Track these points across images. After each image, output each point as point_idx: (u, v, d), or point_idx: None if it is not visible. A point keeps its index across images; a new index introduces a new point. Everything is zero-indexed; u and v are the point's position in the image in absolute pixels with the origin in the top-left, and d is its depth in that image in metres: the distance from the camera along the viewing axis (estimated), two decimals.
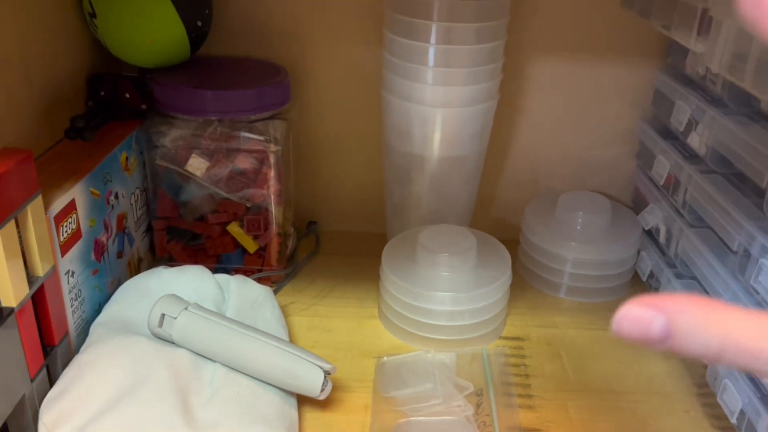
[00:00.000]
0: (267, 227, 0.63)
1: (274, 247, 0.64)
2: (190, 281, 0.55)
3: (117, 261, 0.58)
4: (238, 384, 0.47)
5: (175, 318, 0.49)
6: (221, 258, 0.65)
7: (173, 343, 0.49)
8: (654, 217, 0.64)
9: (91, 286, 0.53)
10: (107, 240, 0.55)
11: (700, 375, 0.56)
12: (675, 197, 0.61)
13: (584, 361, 0.58)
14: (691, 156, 0.59)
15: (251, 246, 0.64)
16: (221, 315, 0.50)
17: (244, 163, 0.61)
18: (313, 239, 0.75)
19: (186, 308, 0.49)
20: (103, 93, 0.61)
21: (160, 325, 0.49)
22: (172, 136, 0.60)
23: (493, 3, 0.58)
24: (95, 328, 0.51)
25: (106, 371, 0.45)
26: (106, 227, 0.55)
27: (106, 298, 0.55)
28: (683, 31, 0.50)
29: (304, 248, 0.73)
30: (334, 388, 0.52)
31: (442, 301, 0.57)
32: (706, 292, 0.56)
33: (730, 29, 0.41)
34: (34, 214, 0.43)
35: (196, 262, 0.64)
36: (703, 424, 0.51)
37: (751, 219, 0.48)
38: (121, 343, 0.48)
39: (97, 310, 0.54)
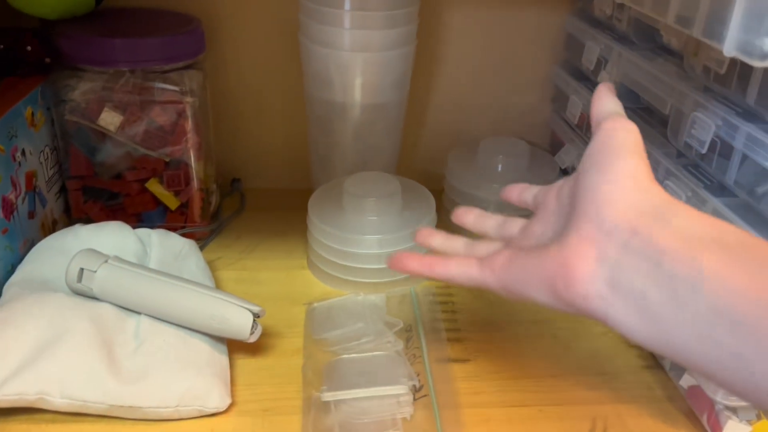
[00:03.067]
0: (188, 182, 0.62)
1: (196, 203, 0.63)
2: (109, 237, 0.53)
3: (28, 221, 0.55)
4: (165, 333, 0.46)
5: (95, 272, 0.47)
6: (142, 216, 0.63)
7: (94, 297, 0.48)
8: (569, 156, 0.67)
9: (1, 246, 0.50)
10: (16, 198, 0.53)
11: None
12: (588, 135, 0.63)
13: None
14: None
15: (173, 202, 0.62)
16: (144, 266, 0.49)
17: (160, 116, 0.59)
18: (237, 197, 0.73)
19: (106, 261, 0.48)
20: (2, 47, 0.57)
21: (79, 280, 0.47)
22: (81, 90, 0.57)
23: None
24: (8, 289, 0.49)
25: (23, 327, 0.44)
26: (14, 185, 0.52)
27: (19, 259, 0.53)
28: None
29: (229, 207, 0.72)
30: (266, 334, 0.52)
31: (370, 245, 0.58)
32: None
33: None
34: None
35: None
36: (620, 345, 0.54)
37: (656, 147, 0.51)
38: (37, 300, 0.46)
39: (10, 272, 0.51)
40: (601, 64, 0.61)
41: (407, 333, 0.53)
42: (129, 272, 0.48)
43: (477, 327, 0.55)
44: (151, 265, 0.52)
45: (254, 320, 0.47)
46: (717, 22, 0.35)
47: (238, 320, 0.46)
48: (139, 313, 0.48)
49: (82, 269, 0.47)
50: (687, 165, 0.48)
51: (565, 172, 0.69)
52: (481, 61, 0.72)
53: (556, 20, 0.70)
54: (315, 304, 0.56)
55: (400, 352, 0.50)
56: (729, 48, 0.34)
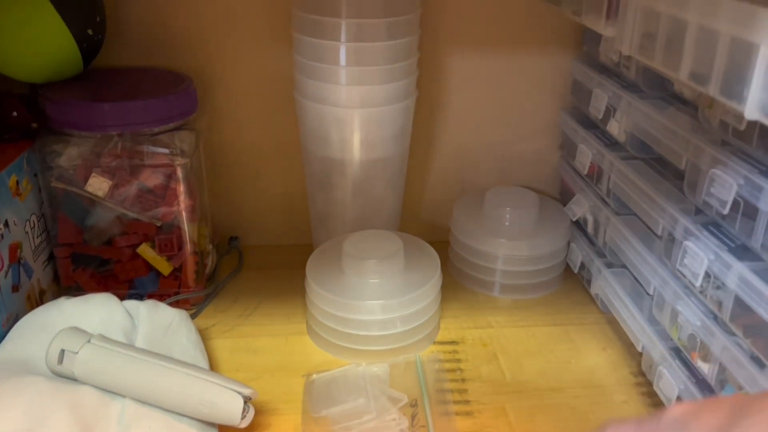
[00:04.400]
0: (181, 246, 0.59)
1: (190, 267, 0.60)
2: (96, 311, 0.50)
3: (12, 295, 0.52)
4: (151, 419, 0.43)
5: (76, 353, 0.44)
6: (134, 283, 0.60)
7: (76, 380, 0.45)
8: (580, 207, 0.63)
9: None
10: None
11: (635, 364, 0.55)
12: (599, 186, 0.60)
13: (521, 360, 0.56)
14: (611, 143, 0.59)
15: (165, 268, 0.60)
16: (129, 345, 0.46)
17: (150, 179, 0.57)
18: (235, 255, 0.71)
19: (88, 341, 0.45)
20: None
21: (60, 361, 0.44)
22: (67, 155, 0.55)
23: None
24: None
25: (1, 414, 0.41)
26: None
27: (2, 336, 0.50)
28: (593, 16, 0.49)
29: (227, 266, 0.69)
30: (262, 412, 0.49)
31: (372, 310, 0.54)
32: (637, 281, 0.55)
33: (638, 9, 0.41)
34: None
35: (106, 289, 0.59)
36: (642, 414, 0.50)
37: (672, 202, 0.48)
38: (15, 385, 0.43)
39: None
40: (610, 112, 0.58)
41: (412, 408, 0.49)
42: (113, 353, 0.45)
43: (488, 397, 0.52)
44: (139, 341, 0.49)
45: (245, 403, 0.44)
46: (736, 81, 0.32)
47: (227, 405, 0.43)
48: (123, 396, 0.45)
49: (62, 350, 0.44)
50: (707, 224, 0.45)
51: (576, 225, 0.66)
52: (485, 108, 0.70)
53: (561, 65, 0.68)
54: (314, 376, 0.53)
55: (405, 430, 0.46)
56: (751, 110, 0.31)
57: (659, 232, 0.49)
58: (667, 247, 0.48)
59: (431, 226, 0.74)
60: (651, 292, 0.51)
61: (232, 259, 0.70)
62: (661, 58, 0.38)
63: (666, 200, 0.48)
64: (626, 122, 0.55)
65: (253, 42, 0.64)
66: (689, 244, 0.44)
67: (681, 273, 0.46)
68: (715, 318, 0.44)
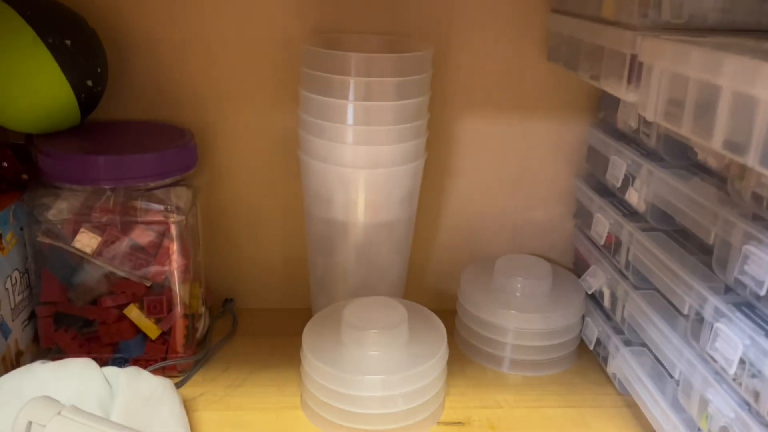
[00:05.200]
0: (170, 309, 0.56)
1: (179, 331, 0.57)
2: (72, 378, 0.46)
3: None
4: None
5: (44, 426, 0.40)
6: (119, 346, 0.56)
7: None
8: (597, 279, 0.60)
9: None
10: None
11: None
12: (617, 258, 0.57)
13: None
14: (630, 213, 0.56)
15: (153, 331, 0.56)
16: (103, 419, 0.42)
17: (142, 236, 0.54)
18: (229, 319, 0.67)
19: (59, 413, 0.41)
20: None
21: None
22: (57, 209, 0.52)
23: (415, 56, 0.54)
24: None
25: None
26: None
27: None
28: (612, 81, 0.47)
29: (221, 329, 0.65)
30: None
31: (372, 386, 0.50)
32: (658, 361, 0.51)
33: (663, 74, 0.38)
34: None
35: (89, 352, 0.56)
36: None
37: (700, 279, 0.44)
38: None
39: None
40: (628, 181, 0.55)
41: None
42: (84, 428, 0.40)
43: None
44: (116, 413, 0.45)
45: None
46: None
47: None
48: None
49: (30, 423, 0.40)
50: (740, 304, 0.41)
51: (592, 298, 0.62)
52: (496, 173, 0.67)
53: (576, 131, 0.66)
54: None
55: None
56: None
57: (685, 311, 0.45)
58: (695, 327, 0.45)
59: (437, 294, 0.70)
60: (676, 376, 0.47)
61: (225, 322, 0.67)
62: (690, 125, 0.36)
63: (692, 276, 0.45)
64: (646, 191, 0.52)
65: (258, 99, 0.62)
66: (721, 326, 0.40)
67: (711, 357, 0.42)
68: (750, 409, 0.40)
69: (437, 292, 0.71)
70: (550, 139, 0.66)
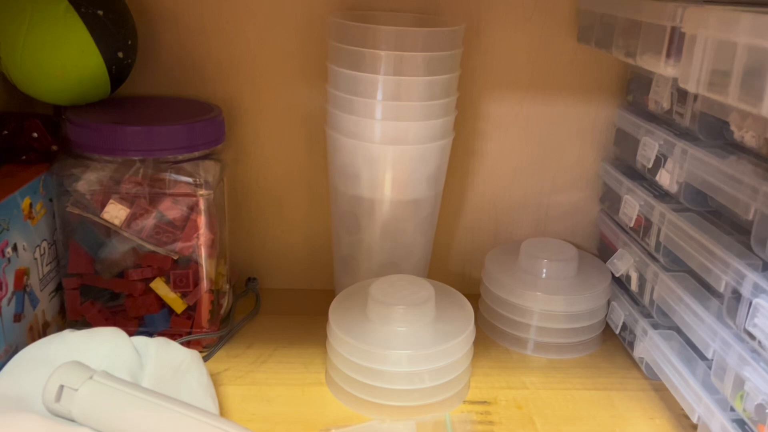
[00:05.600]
0: (197, 283, 0.56)
1: (205, 306, 0.56)
2: (102, 346, 0.46)
3: (14, 325, 0.49)
4: None
5: (76, 390, 0.40)
6: (144, 320, 0.56)
7: (73, 421, 0.40)
8: (624, 263, 0.59)
9: None
10: (1, 299, 0.46)
11: None
12: (647, 240, 0.56)
13: (560, 426, 0.51)
14: (661, 195, 0.55)
15: (178, 305, 0.56)
16: (134, 385, 0.42)
17: (170, 210, 0.54)
18: (252, 298, 0.67)
19: (90, 378, 0.41)
20: (6, 132, 0.53)
21: (58, 399, 0.40)
22: (86, 180, 0.52)
23: (446, 32, 0.54)
24: None
25: None
26: (0, 284, 0.46)
27: None
28: (649, 57, 0.46)
29: (243, 308, 0.65)
30: None
31: (398, 361, 0.50)
32: (688, 344, 0.51)
33: (708, 43, 0.38)
34: None
35: (115, 325, 0.55)
36: None
37: (737, 257, 0.44)
38: (7, 425, 0.39)
39: None
40: (660, 162, 0.54)
41: None
42: (116, 393, 0.40)
43: None
44: (146, 381, 0.45)
45: None
46: None
47: None
48: None
49: (62, 386, 0.40)
50: None
51: (617, 282, 0.61)
52: (522, 156, 0.67)
53: (603, 114, 0.65)
54: (333, 431, 0.48)
55: None
56: None
57: (722, 289, 0.45)
58: (731, 305, 0.44)
59: (460, 277, 0.70)
60: (710, 356, 0.46)
61: (248, 301, 0.66)
62: (737, 93, 0.35)
63: (729, 254, 0.44)
64: (679, 172, 0.52)
65: (284, 75, 0.62)
66: (761, 302, 0.40)
67: (749, 335, 0.41)
68: None
69: (459, 275, 0.70)
70: (577, 122, 0.66)
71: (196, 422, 0.39)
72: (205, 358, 0.56)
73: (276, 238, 0.68)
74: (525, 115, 0.65)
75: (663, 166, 0.54)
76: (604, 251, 0.66)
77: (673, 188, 0.53)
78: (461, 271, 0.70)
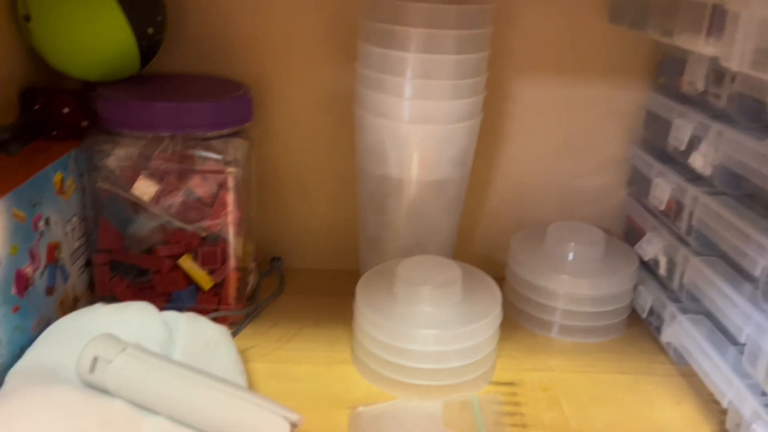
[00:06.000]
0: (224, 260, 0.56)
1: (232, 284, 0.57)
2: (132, 320, 0.47)
3: (46, 298, 0.49)
4: None
5: (111, 362, 0.40)
6: (172, 296, 0.57)
7: (107, 392, 0.41)
8: (653, 247, 0.59)
9: (9, 326, 0.44)
10: (33, 272, 0.47)
11: (718, 422, 0.50)
12: (677, 224, 0.55)
13: (586, 409, 0.51)
14: (693, 178, 0.55)
15: (206, 282, 0.56)
16: (167, 358, 0.42)
17: (199, 187, 0.54)
18: (276, 277, 0.67)
19: (124, 350, 0.41)
20: (37, 107, 0.53)
21: (92, 370, 0.41)
22: (116, 156, 0.53)
23: (477, 9, 0.53)
24: (12, 376, 0.42)
25: (21, 428, 0.37)
26: (33, 257, 0.47)
27: (30, 341, 0.46)
28: (688, 36, 0.45)
29: (268, 288, 0.65)
30: None
31: (425, 341, 0.50)
32: (719, 327, 0.50)
33: (751, 21, 0.37)
34: None
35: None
36: None
37: None
38: (41, 394, 0.39)
39: (18, 356, 0.45)
40: (693, 144, 0.54)
41: None
42: (149, 365, 0.41)
43: None
44: (176, 355, 0.45)
45: (291, 431, 0.39)
46: None
47: (271, 430, 0.38)
48: (157, 413, 0.40)
49: (96, 358, 0.41)
50: None
51: (646, 266, 0.61)
52: (549, 138, 0.66)
53: (632, 97, 0.64)
54: (360, 409, 0.48)
55: None
56: None
57: (757, 273, 0.44)
58: (766, 290, 0.43)
59: (484, 260, 0.69)
60: (742, 341, 0.46)
61: (272, 281, 0.67)
62: None
63: (766, 238, 0.43)
64: (713, 154, 0.51)
65: (313, 54, 0.62)
66: None
67: None
68: None
69: (483, 258, 0.70)
70: (605, 105, 0.65)
71: (228, 395, 0.40)
72: (232, 335, 0.56)
73: (301, 218, 0.68)
74: (553, 97, 0.64)
75: (696, 149, 0.53)
76: (631, 236, 0.66)
77: (707, 171, 0.52)
78: (485, 254, 0.70)
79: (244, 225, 0.57)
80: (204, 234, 0.55)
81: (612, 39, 0.62)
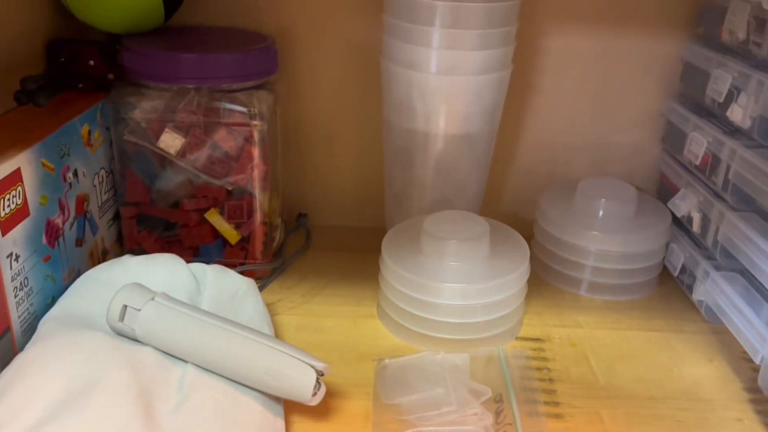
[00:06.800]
0: (251, 215, 0.56)
1: (258, 238, 0.57)
2: (160, 271, 0.47)
3: (76, 249, 0.50)
4: (213, 388, 0.39)
5: (139, 310, 0.41)
6: (199, 250, 0.57)
7: (136, 339, 0.41)
8: (687, 203, 0.57)
9: (41, 275, 0.45)
10: (63, 223, 0.47)
11: (750, 378, 0.49)
12: (714, 178, 0.54)
13: (615, 364, 0.50)
14: (731, 131, 0.53)
15: (233, 236, 0.56)
16: (195, 307, 0.43)
17: (225, 140, 0.53)
18: (303, 234, 0.67)
19: (152, 299, 0.42)
20: (63, 59, 0.53)
21: (122, 318, 0.41)
22: (142, 108, 0.52)
23: None
24: (44, 323, 0.43)
25: (53, 371, 0.37)
26: (62, 208, 0.47)
27: (61, 291, 0.47)
28: None
29: (293, 244, 0.65)
30: (329, 395, 0.44)
31: (451, 295, 0.50)
32: (755, 285, 0.49)
33: None
34: None
35: None
36: None
37: None
38: (72, 339, 0.40)
39: (50, 305, 0.46)
40: (732, 96, 0.52)
41: (497, 404, 0.44)
42: (177, 313, 0.41)
43: (580, 401, 0.46)
44: (204, 306, 0.46)
45: (317, 378, 0.39)
46: None
47: (298, 378, 0.39)
48: (185, 361, 0.41)
49: (125, 306, 0.41)
50: None
51: (679, 224, 0.59)
52: (581, 93, 0.64)
53: (668, 49, 0.62)
54: (386, 361, 0.48)
55: (488, 427, 0.41)
56: None
57: None
58: None
59: (512, 218, 0.68)
60: None
61: (299, 237, 0.67)
62: None
63: None
64: (753, 106, 0.49)
65: (339, 6, 0.61)
66: None
67: None
68: None
69: (511, 215, 0.69)
70: (641, 57, 0.63)
71: (256, 343, 0.40)
72: (259, 289, 0.57)
73: (327, 174, 0.68)
74: (586, 49, 0.62)
75: (735, 101, 0.51)
76: (665, 193, 0.64)
77: (746, 123, 0.50)
78: (514, 211, 0.69)
79: (269, 180, 0.57)
80: (230, 188, 0.55)
81: None
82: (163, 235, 0.57)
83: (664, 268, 0.61)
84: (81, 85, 0.53)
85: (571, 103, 0.65)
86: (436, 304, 0.50)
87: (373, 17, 0.60)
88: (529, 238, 0.63)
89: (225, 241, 0.57)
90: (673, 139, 0.62)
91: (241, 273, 0.53)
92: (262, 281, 0.58)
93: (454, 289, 0.50)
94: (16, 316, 0.42)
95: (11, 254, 0.41)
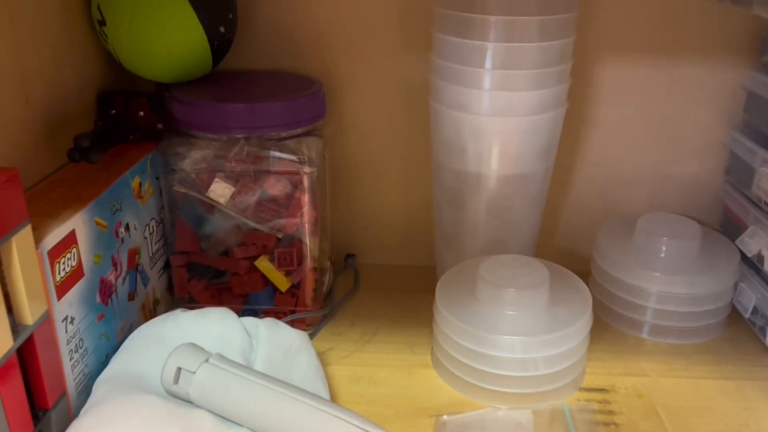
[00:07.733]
0: (301, 261, 0.55)
1: (309, 285, 0.56)
2: (213, 327, 0.46)
3: (128, 303, 0.49)
4: None
5: (194, 372, 0.40)
6: (249, 298, 0.56)
7: (191, 402, 0.40)
8: (757, 241, 0.54)
9: (95, 334, 0.44)
10: (116, 279, 0.47)
11: None
12: None
13: (687, 418, 0.47)
14: None
15: (283, 283, 0.55)
16: (249, 368, 0.42)
17: (274, 187, 0.53)
18: (351, 275, 0.66)
19: (206, 360, 0.41)
20: (114, 111, 0.53)
21: (176, 381, 0.40)
22: (192, 158, 0.52)
23: None
24: (99, 386, 0.43)
25: None
26: (115, 264, 0.47)
27: (115, 347, 0.47)
28: None
29: (342, 285, 0.64)
30: None
31: (511, 347, 0.48)
32: None
33: None
34: (20, 247, 0.35)
35: (220, 302, 0.56)
36: None
37: None
38: (127, 404, 0.39)
39: (104, 363, 0.45)
40: None
41: None
42: (232, 376, 0.40)
43: None
44: (258, 364, 0.45)
45: None
46: None
47: None
48: (241, 425, 0.40)
49: (179, 369, 0.40)
50: None
51: (748, 261, 0.56)
52: (637, 124, 0.62)
53: (730, 77, 0.59)
54: (445, 418, 0.46)
55: None
56: None
57: None
58: None
59: (567, 254, 0.66)
60: None
61: (347, 278, 0.66)
62: None
63: None
64: None
65: (385, 45, 0.60)
66: None
67: None
68: None
69: (566, 252, 0.67)
70: (700, 86, 0.60)
71: (312, 408, 0.39)
72: (310, 337, 0.56)
73: (375, 213, 0.66)
74: (643, 79, 0.60)
75: None
76: (729, 228, 0.61)
77: None
78: (567, 247, 0.67)
79: (319, 224, 0.56)
80: (280, 235, 0.54)
81: (708, 15, 0.57)
82: (213, 282, 0.57)
83: (733, 308, 0.57)
84: (131, 137, 0.54)
85: (626, 134, 0.62)
86: (495, 356, 0.48)
87: (421, 56, 0.59)
88: (585, 274, 0.60)
89: (275, 288, 0.56)
90: (738, 172, 0.59)
91: (292, 321, 0.53)
92: (313, 327, 0.57)
93: (514, 342, 0.48)
94: (71, 379, 0.42)
95: (67, 317, 0.41)
